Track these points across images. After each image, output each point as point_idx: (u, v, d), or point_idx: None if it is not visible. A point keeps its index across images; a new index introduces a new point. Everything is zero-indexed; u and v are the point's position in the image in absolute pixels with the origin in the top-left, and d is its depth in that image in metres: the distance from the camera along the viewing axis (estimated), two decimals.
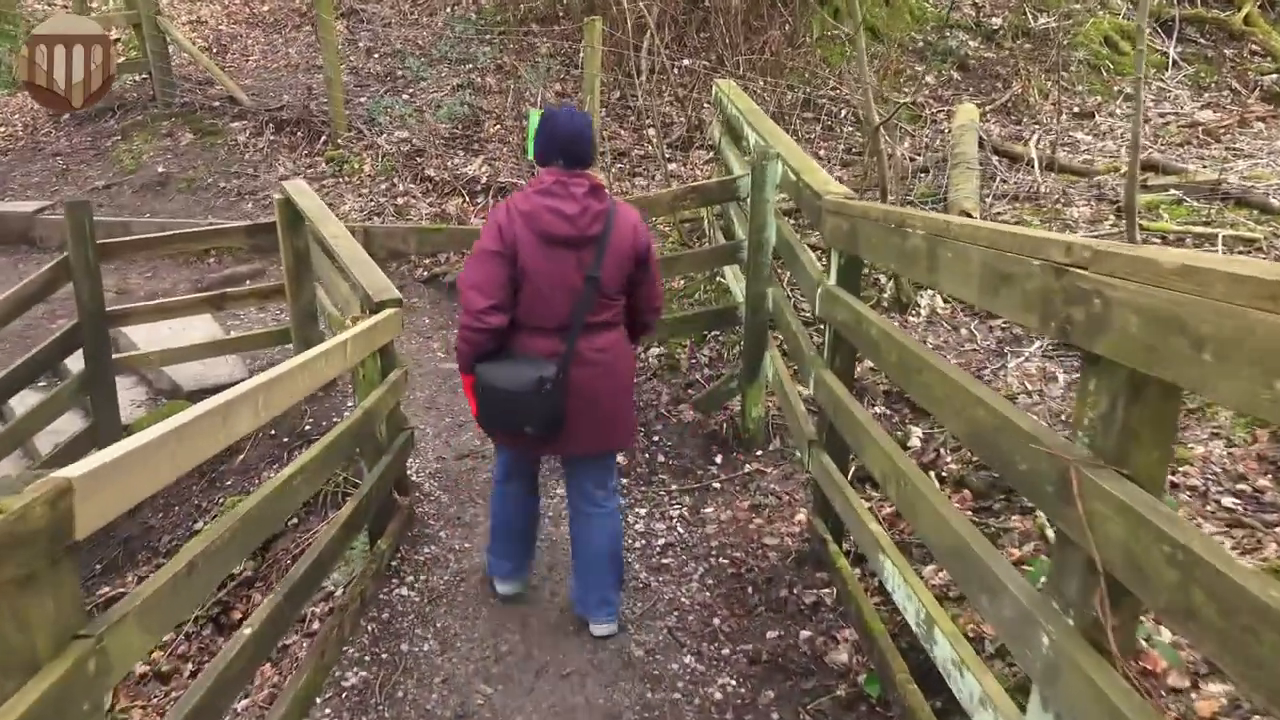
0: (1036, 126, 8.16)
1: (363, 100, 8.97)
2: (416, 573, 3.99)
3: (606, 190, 3.30)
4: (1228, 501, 3.51)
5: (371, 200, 7.85)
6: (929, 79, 8.63)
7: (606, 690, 3.32)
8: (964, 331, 5.25)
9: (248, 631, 2.41)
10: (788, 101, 7.82)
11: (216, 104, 9.39)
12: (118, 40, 12.14)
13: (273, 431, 5.47)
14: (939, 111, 8.33)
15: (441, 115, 8.55)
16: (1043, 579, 2.22)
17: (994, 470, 2.60)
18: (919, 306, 5.49)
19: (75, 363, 5.54)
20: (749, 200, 4.41)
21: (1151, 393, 1.50)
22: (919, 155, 7.39)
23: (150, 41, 9.47)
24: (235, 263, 7.49)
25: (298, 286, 5.57)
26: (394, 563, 4.02)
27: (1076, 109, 8.47)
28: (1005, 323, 5.27)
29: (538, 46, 9.42)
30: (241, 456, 5.41)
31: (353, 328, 3.66)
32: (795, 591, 3.76)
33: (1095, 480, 1.53)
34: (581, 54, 8.40)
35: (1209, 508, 3.50)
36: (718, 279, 5.79)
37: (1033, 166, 7.02)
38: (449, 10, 10.68)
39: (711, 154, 7.78)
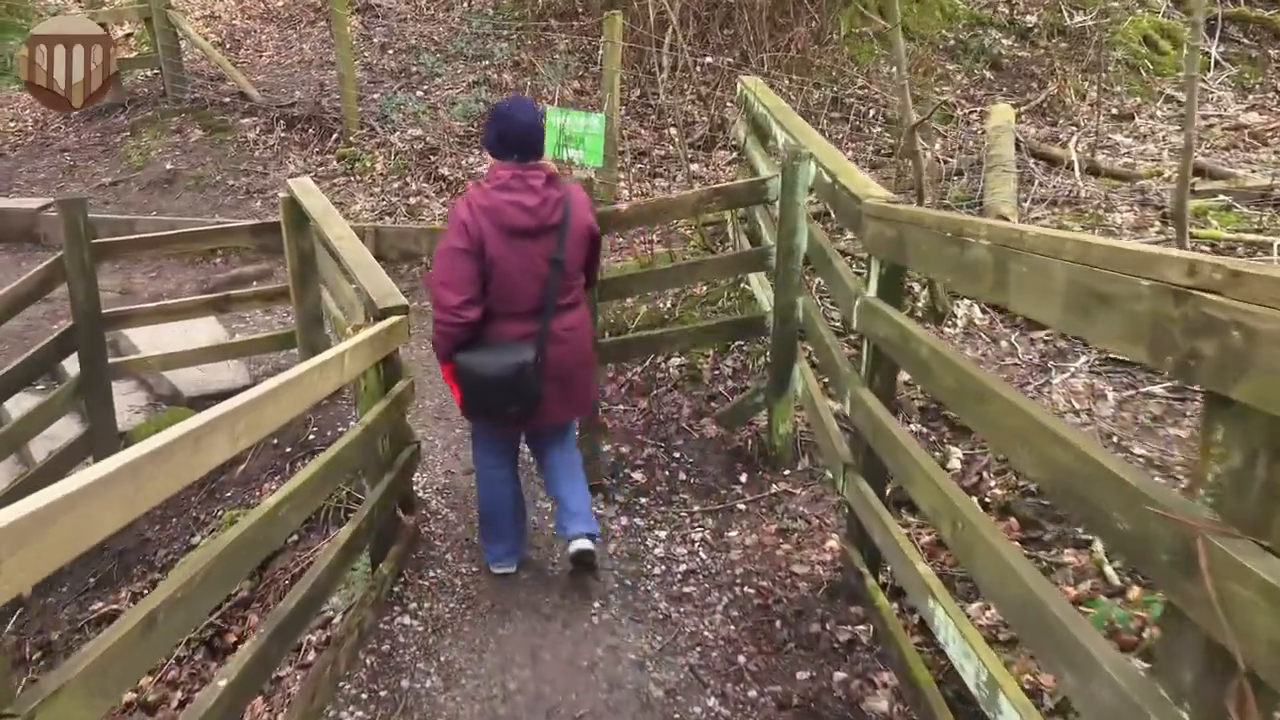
0: (1074, 128, 7.84)
1: (376, 97, 8.73)
2: (420, 599, 3.73)
3: (559, 176, 3.49)
4: None
5: (383, 199, 7.61)
6: (961, 78, 8.32)
7: None
8: (1004, 344, 4.96)
9: (222, 683, 2.16)
10: (814, 100, 7.54)
11: (227, 100, 9.18)
12: (130, 35, 11.99)
13: (275, 440, 5.23)
14: (971, 112, 8.03)
15: (456, 113, 8.31)
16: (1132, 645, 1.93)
17: (1080, 524, 2.31)
18: (955, 316, 5.20)
19: (74, 365, 5.32)
20: (778, 203, 4.13)
21: None
22: (952, 157, 7.08)
23: (161, 36, 9.28)
24: (242, 263, 7.26)
25: (303, 289, 5.33)
26: (396, 588, 3.76)
27: (1115, 110, 8.14)
28: (1049, 335, 4.98)
29: (556, 43, 9.16)
30: (243, 467, 5.17)
31: (353, 337, 3.41)
32: (828, 627, 3.48)
33: (1229, 553, 1.25)
34: (601, 50, 8.14)
35: None
36: (741, 285, 5.52)
37: (1072, 170, 6.71)
38: (466, 5, 10.44)
39: (735, 154, 7.51)
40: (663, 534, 4.18)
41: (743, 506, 4.32)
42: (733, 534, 4.14)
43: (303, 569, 4.27)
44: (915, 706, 2.78)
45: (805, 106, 7.44)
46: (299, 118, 8.57)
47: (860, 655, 3.32)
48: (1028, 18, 9.16)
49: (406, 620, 3.59)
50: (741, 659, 3.39)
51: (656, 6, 7.13)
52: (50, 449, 5.35)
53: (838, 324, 5.01)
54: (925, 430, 4.43)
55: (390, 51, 9.91)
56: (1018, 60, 8.74)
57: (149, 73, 10.41)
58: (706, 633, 3.56)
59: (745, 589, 3.79)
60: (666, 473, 4.59)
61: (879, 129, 7.77)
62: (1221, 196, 6.26)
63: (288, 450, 5.20)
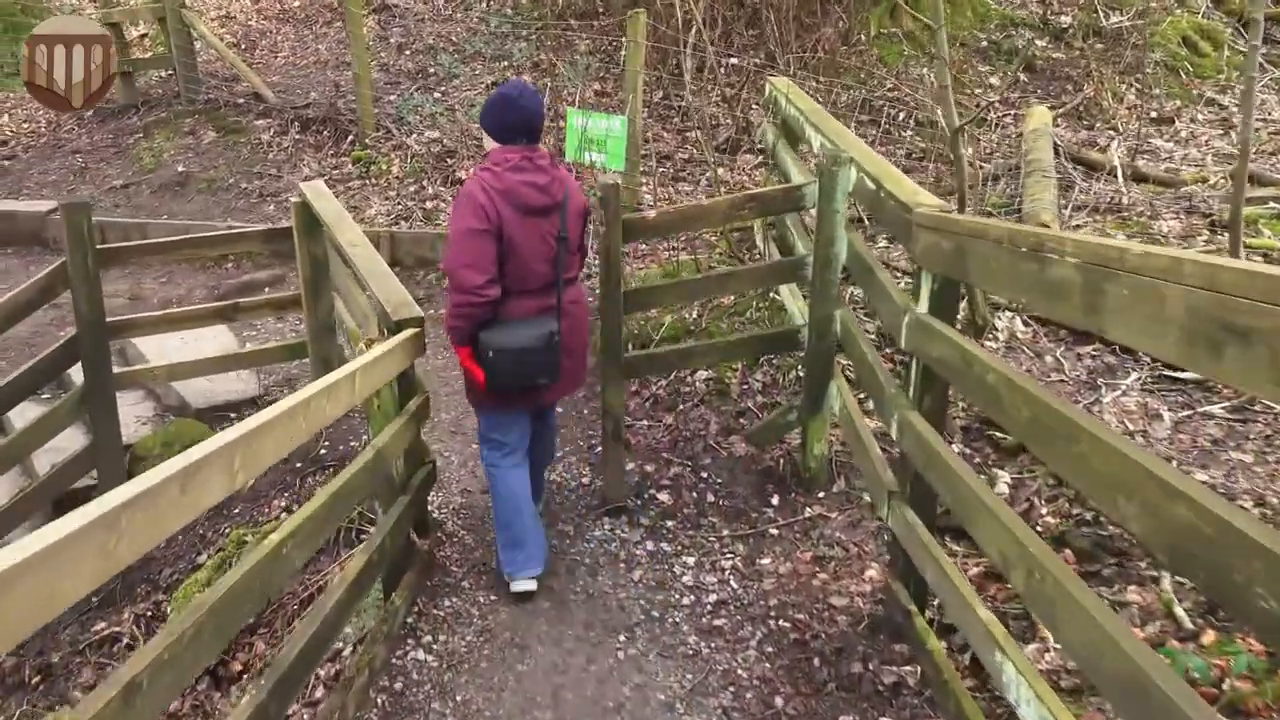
0: (1112, 132, 7.58)
1: (392, 99, 8.54)
2: (435, 631, 3.52)
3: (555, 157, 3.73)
4: None
5: (399, 203, 7.40)
6: (994, 80, 8.07)
7: None
8: (1049, 359, 4.70)
9: None
10: (844, 102, 7.30)
11: (241, 101, 9.00)
12: (145, 35, 11.86)
13: (285, 455, 5.02)
14: (1005, 115, 7.77)
15: (474, 114, 8.09)
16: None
17: (1206, 595, 2.06)
18: (996, 330, 4.95)
19: (80, 375, 5.13)
20: (815, 210, 3.90)
21: None
22: (987, 161, 6.83)
23: (174, 36, 9.11)
24: (254, 268, 7.08)
25: (315, 297, 5.12)
26: (410, 619, 3.55)
27: (1154, 114, 7.86)
28: (1097, 349, 4.73)
29: (576, 43, 8.95)
30: (251, 482, 4.97)
31: (365, 354, 3.19)
32: (871, 667, 3.24)
33: None
34: (623, 50, 7.93)
35: None
36: (771, 295, 5.28)
37: (1114, 176, 6.45)
38: (484, 4, 10.24)
39: (761, 158, 7.27)
40: (691, 560, 3.95)
41: (775, 531, 4.08)
42: (765, 561, 3.91)
43: (311, 594, 4.07)
44: None
45: (834, 109, 7.20)
46: (314, 119, 8.38)
47: (908, 700, 3.08)
48: (1062, 18, 8.89)
49: (420, 655, 3.38)
50: (779, 701, 3.16)
51: (682, 6, 6.91)
52: (54, 461, 5.16)
53: (871, 336, 4.77)
54: (968, 451, 4.19)
55: (407, 52, 9.72)
56: (1052, 62, 8.47)
57: (163, 73, 10.27)
58: (740, 671, 3.33)
59: (780, 622, 3.56)
60: (694, 494, 4.36)
61: (909, 133, 7.53)
62: (1272, 204, 5.99)
63: (298, 465, 5.00)
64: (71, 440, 5.30)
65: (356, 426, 5.06)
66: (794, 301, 4.79)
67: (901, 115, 7.64)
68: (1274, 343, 1.26)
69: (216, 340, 6.05)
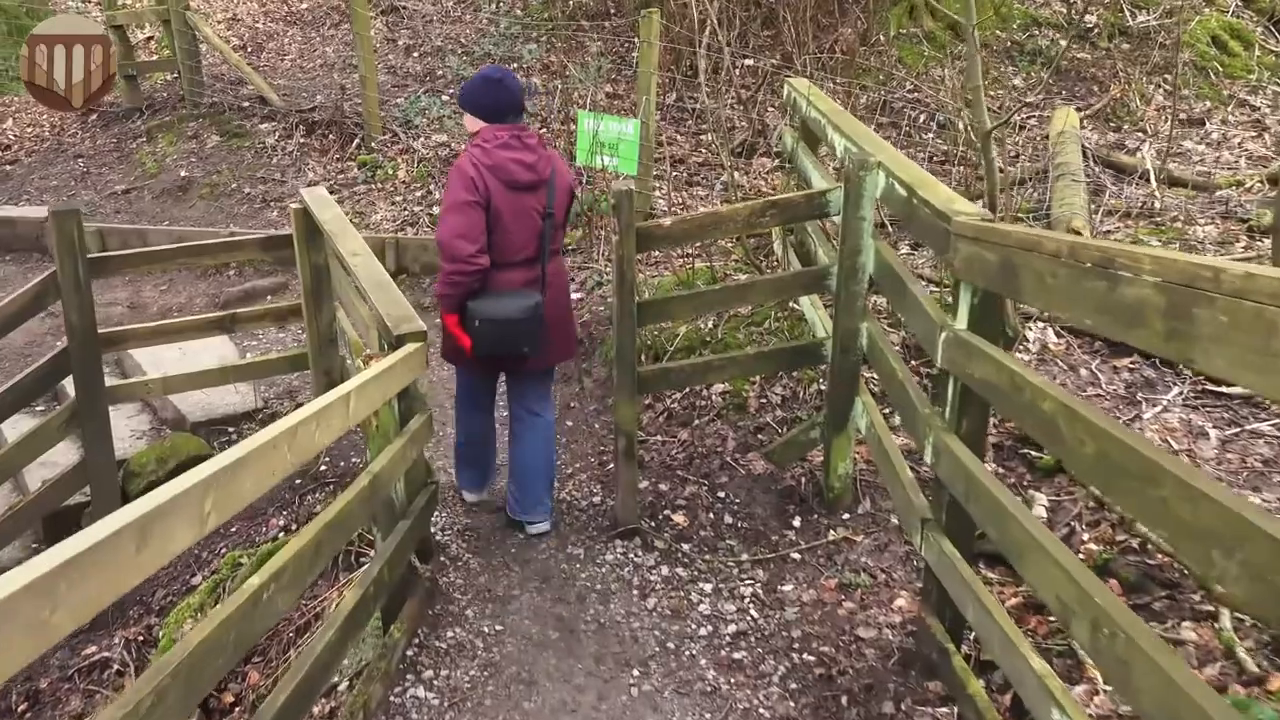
0: (1140, 134, 7.34)
1: (400, 101, 8.35)
2: (437, 665, 3.30)
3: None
4: None
5: (405, 209, 7.21)
6: (1017, 81, 7.83)
7: None
8: (1084, 373, 4.47)
9: None
10: (863, 105, 7.07)
11: (246, 104, 8.83)
12: (151, 38, 11.71)
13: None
14: (1030, 117, 7.53)
15: None
16: None
17: None
18: (1027, 340, 4.72)
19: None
20: (840, 218, 3.68)
21: None
22: (1012, 165, 6.59)
23: (179, 38, 8.95)
24: (257, 275, 6.89)
25: (316, 307, 4.93)
26: (410, 652, 3.34)
27: (1184, 115, 7.61)
28: (1134, 362, 4.49)
29: (587, 45, 8.75)
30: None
31: (363, 372, 2.99)
32: (904, 708, 3.01)
33: None
34: (635, 52, 7.73)
35: None
36: (791, 305, 5.06)
37: (1146, 179, 6.21)
38: (494, 6, 10.05)
39: (778, 162, 7.05)
40: (708, 587, 3.73)
41: (797, 556, 3.86)
42: (787, 588, 3.69)
43: (308, 620, 3.87)
44: None
45: (852, 111, 6.97)
46: (319, 123, 8.20)
47: None
48: (1087, 17, 8.65)
49: (420, 692, 3.17)
50: None
51: (696, 6, 6.70)
52: (46, 477, 4.98)
53: (895, 347, 4.54)
54: (1001, 470, 3.96)
55: (415, 54, 9.54)
56: (1077, 62, 8.23)
57: (169, 77, 10.12)
58: (762, 710, 3.12)
59: (804, 655, 3.34)
60: (710, 515, 4.14)
61: (931, 135, 7.30)
62: None
63: (297, 483, 4.81)
64: (65, 455, 5.11)
65: (359, 441, 4.86)
66: (815, 312, 4.58)
67: (923, 118, 7.42)
68: None
69: (216, 351, 5.86)
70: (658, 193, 6.68)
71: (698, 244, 5.64)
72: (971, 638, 3.11)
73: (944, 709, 2.97)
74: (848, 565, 3.75)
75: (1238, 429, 3.98)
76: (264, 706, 2.18)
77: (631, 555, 3.93)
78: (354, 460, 4.80)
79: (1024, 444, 4.04)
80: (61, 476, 4.78)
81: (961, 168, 6.32)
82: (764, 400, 4.72)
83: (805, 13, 7.60)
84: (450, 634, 3.47)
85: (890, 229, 5.58)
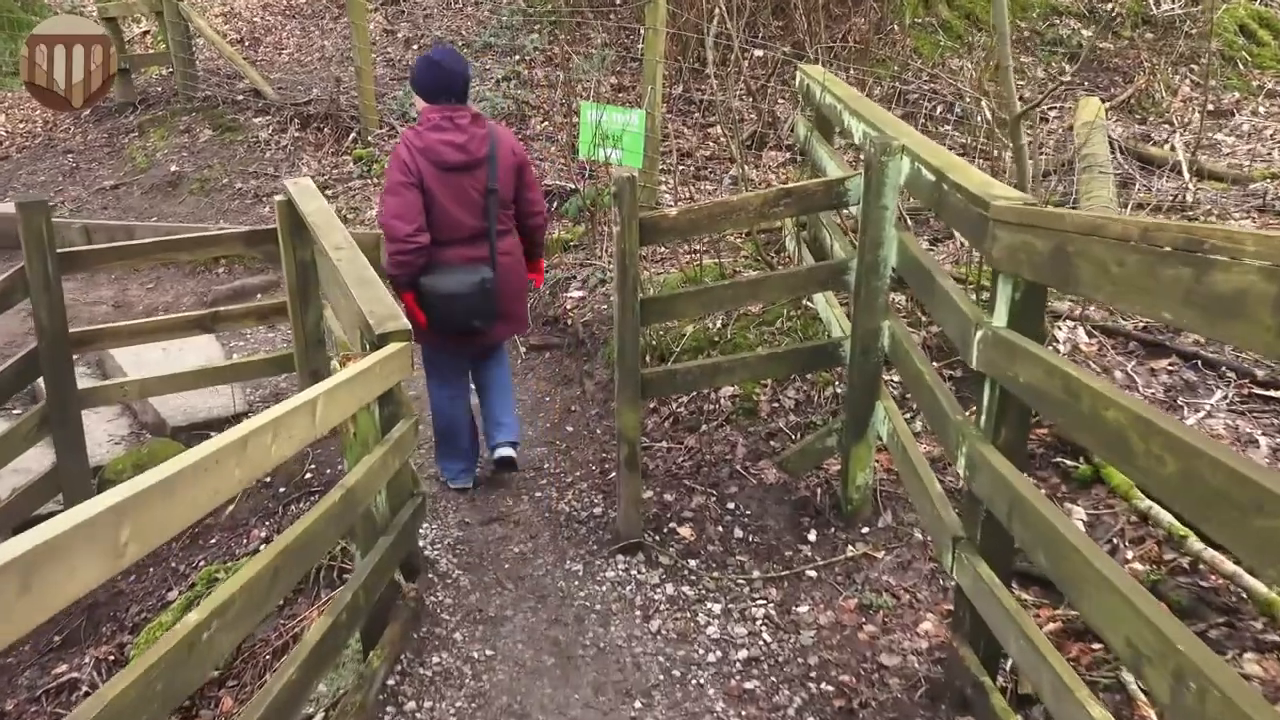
0: (1166, 126, 7.03)
1: (398, 95, 8.08)
2: (420, 695, 3.03)
3: (483, 116, 3.88)
4: None
5: None
6: (1038, 72, 7.53)
7: None
8: (1119, 375, 4.17)
9: None
10: (877, 95, 6.78)
11: (240, 98, 8.58)
12: (147, 32, 11.48)
13: (268, 479, 4.57)
14: (1051, 108, 7.23)
15: (483, 110, 7.62)
16: None
17: None
18: (1056, 341, 4.43)
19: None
20: (859, 207, 3.40)
21: None
22: (1034, 157, 6.29)
23: (172, 30, 8.70)
24: (247, 273, 6.63)
25: (302, 305, 4.64)
26: (391, 680, 3.06)
27: (1212, 106, 7.30)
28: (1174, 363, 4.19)
29: (591, 36, 8.48)
30: (230, 508, 4.51)
31: (336, 374, 2.72)
32: None
33: None
34: (641, 42, 7.45)
35: None
36: (804, 302, 4.78)
37: (1175, 171, 5.91)
38: None
39: (790, 155, 6.77)
40: (717, 608, 3.45)
41: (813, 574, 3.57)
42: (802, 609, 3.40)
43: (285, 641, 3.60)
44: None
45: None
46: (314, 116, 7.94)
47: None
48: (1108, 5, 8.34)
49: None
50: None
51: None
52: (18, 485, 4.71)
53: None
54: (1033, 480, 3.66)
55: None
56: (1099, 52, 7.92)
57: (164, 71, 9.88)
58: None
59: (822, 685, 3.06)
60: (719, 528, 3.86)
61: (948, 127, 7.00)
62: None
63: (280, 490, 4.54)
64: (40, 461, 4.85)
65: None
66: (830, 310, 4.29)
67: (940, 109, 7.12)
68: None
69: (202, 351, 5.60)
70: (664, 187, 6.40)
71: (705, 239, 5.36)
72: (1007, 666, 2.82)
73: None
74: (868, 584, 3.47)
75: None
76: None
77: (634, 572, 3.65)
78: (342, 469, 4.53)
79: (1057, 451, 3.75)
80: (32, 484, 4.51)
81: (982, 160, 6.02)
82: (776, 404, 4.44)
83: (817, 1, 7.31)
84: (436, 659, 3.19)
85: (909, 223, 5.28)
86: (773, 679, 3.10)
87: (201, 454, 1.74)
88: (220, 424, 5.05)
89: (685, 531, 3.84)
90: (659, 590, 3.54)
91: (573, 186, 6.48)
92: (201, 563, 4.38)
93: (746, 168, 6.54)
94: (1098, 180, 5.43)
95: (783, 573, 3.58)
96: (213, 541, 4.45)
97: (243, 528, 4.46)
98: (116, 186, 7.70)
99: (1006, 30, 3.98)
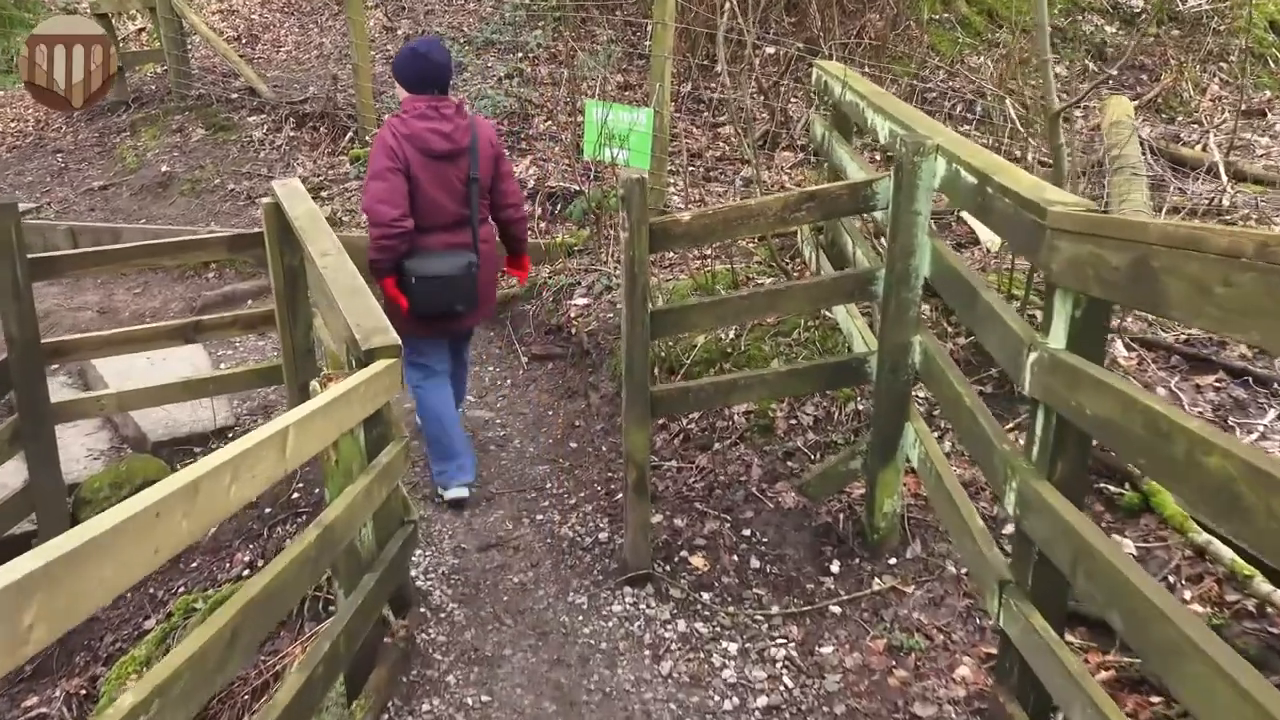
0: (1195, 125, 6.74)
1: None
2: None
3: (464, 106, 3.97)
4: None
5: None
6: (1060, 69, 7.24)
7: None
8: (1161, 392, 3.88)
9: None
10: (893, 93, 6.49)
11: (235, 96, 8.32)
12: (142, 30, 11.23)
13: (255, 499, 4.29)
14: (1072, 108, 6.93)
15: (484, 108, 7.36)
16: None
17: None
18: None
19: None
20: (888, 212, 3.13)
21: None
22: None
23: (164, 26, 8.44)
24: (238, 278, 6.37)
25: (291, 314, 4.39)
26: None
27: (1242, 105, 7.01)
28: (1220, 380, 3.91)
29: (597, 32, 8.21)
30: (213, 530, 4.25)
31: (316, 397, 2.45)
32: None
33: None
34: (648, 40, 7.19)
35: None
36: (823, 312, 4.50)
37: (1210, 173, 5.62)
38: None
39: (803, 155, 6.49)
40: (733, 647, 3.17)
41: (837, 609, 3.30)
42: (826, 650, 3.13)
43: (265, 679, 3.33)
44: None
45: None
46: (310, 115, 7.67)
47: None
48: (1133, 2, 8.06)
49: None
50: None
51: None
52: None
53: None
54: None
55: None
56: (1124, 50, 7.63)
57: (159, 69, 9.63)
58: None
59: None
60: (735, 557, 3.58)
61: (967, 127, 6.71)
62: None
63: (266, 511, 4.28)
64: (16, 475, 4.59)
65: None
66: (851, 321, 4.02)
67: (959, 107, 6.84)
68: None
69: (187, 361, 5.34)
70: (672, 189, 6.13)
71: (718, 244, 5.08)
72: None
73: None
74: (897, 622, 3.19)
75: None
76: None
77: (643, 606, 3.38)
78: None
79: (1100, 476, 3.47)
80: (3, 503, 4.25)
81: (1012, 159, 5.73)
82: (794, 421, 4.16)
83: None
84: (427, 707, 2.92)
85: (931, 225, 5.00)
86: None
87: (138, 507, 1.47)
88: (205, 438, 4.79)
89: (698, 561, 3.56)
90: (670, 627, 3.27)
91: (577, 188, 6.21)
92: (181, 588, 4.13)
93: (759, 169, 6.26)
94: (1131, 182, 5.15)
95: (804, 608, 3.31)
96: (194, 565, 4.20)
97: (226, 550, 4.21)
98: (105, 187, 7.45)
99: (1045, 23, 3.71)
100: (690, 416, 4.32)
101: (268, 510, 4.26)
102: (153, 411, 4.75)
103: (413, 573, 3.55)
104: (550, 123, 7.32)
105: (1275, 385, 3.82)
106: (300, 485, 4.33)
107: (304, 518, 4.17)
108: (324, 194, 6.73)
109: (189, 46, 8.95)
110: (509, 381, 5.16)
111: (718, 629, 3.26)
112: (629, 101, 6.75)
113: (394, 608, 3.19)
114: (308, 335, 4.45)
